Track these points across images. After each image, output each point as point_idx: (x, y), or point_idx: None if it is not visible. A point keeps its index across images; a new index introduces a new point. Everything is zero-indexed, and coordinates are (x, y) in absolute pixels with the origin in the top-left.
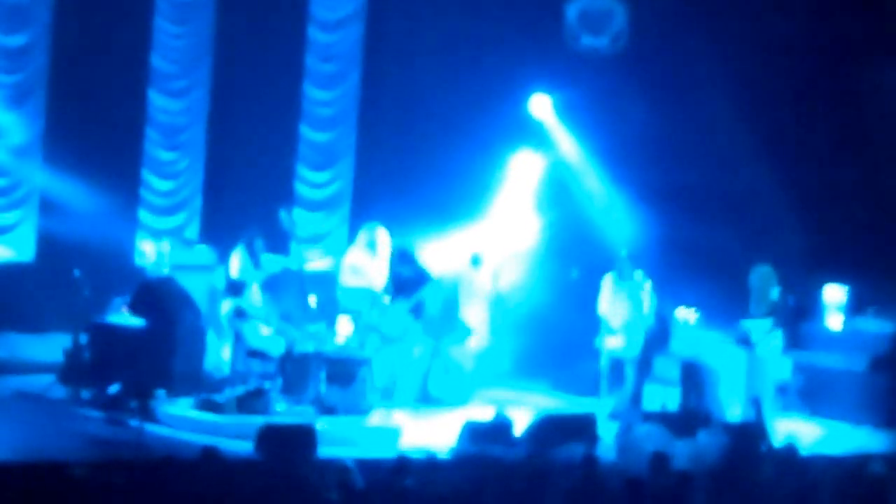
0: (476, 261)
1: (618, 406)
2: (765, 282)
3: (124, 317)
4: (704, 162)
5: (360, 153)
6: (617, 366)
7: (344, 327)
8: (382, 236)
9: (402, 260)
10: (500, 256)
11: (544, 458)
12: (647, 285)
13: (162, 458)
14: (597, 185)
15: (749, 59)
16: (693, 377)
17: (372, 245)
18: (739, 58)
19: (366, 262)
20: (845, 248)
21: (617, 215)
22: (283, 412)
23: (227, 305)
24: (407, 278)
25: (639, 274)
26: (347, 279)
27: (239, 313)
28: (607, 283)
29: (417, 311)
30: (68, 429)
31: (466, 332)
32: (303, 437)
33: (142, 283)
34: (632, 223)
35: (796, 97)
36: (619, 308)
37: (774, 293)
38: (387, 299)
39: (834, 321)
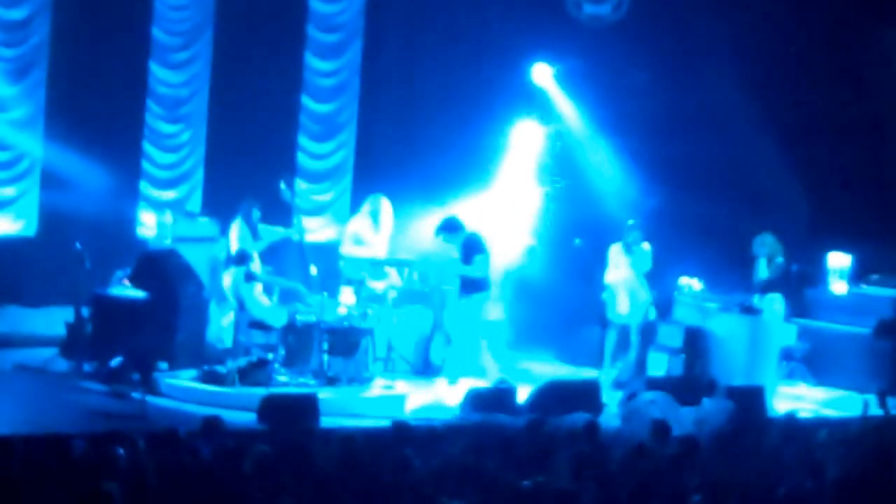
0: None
1: (622, 374)
2: (768, 250)
3: (126, 289)
4: (707, 130)
5: (361, 123)
6: (623, 334)
7: (346, 298)
8: (386, 207)
9: (450, 229)
10: (503, 226)
11: (548, 425)
12: (648, 248)
13: (165, 429)
14: (599, 154)
15: (751, 27)
16: (697, 344)
17: (376, 215)
18: (741, 26)
19: (368, 233)
20: (849, 216)
21: (619, 184)
22: (286, 383)
23: (228, 277)
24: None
25: (645, 244)
26: (349, 249)
27: (249, 277)
28: (614, 252)
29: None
30: (70, 402)
31: None
32: (305, 406)
33: (143, 255)
34: (634, 192)
35: (799, 65)
36: (625, 276)
37: (778, 261)
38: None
39: (838, 288)
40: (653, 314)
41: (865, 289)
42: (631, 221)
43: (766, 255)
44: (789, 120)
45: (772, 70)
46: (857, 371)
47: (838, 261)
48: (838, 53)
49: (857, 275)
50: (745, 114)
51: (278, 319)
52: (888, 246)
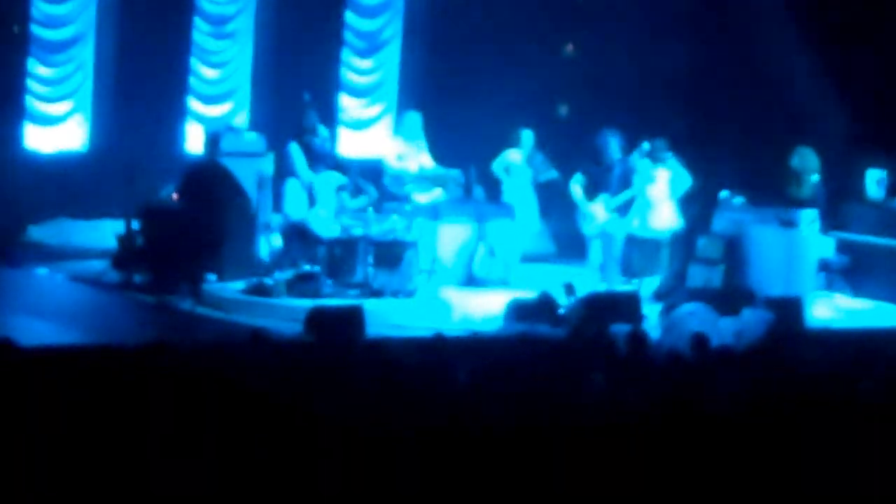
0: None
1: (662, 285)
2: (806, 164)
3: (175, 203)
4: (748, 43)
5: (405, 41)
6: (656, 246)
7: (392, 211)
8: (418, 122)
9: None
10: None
11: (589, 335)
12: (677, 166)
13: (213, 340)
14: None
15: None
16: (736, 256)
17: (411, 132)
18: None
19: (407, 149)
20: (888, 130)
21: (659, 100)
22: (331, 295)
23: None
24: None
25: (671, 157)
26: (395, 165)
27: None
28: (641, 166)
29: (625, 209)
30: (122, 313)
31: (511, 214)
32: (351, 318)
33: (191, 169)
34: (675, 104)
35: None
36: (655, 190)
37: (813, 179)
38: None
39: (876, 202)
40: (680, 225)
41: None
42: (657, 137)
43: (802, 171)
44: (828, 34)
45: None
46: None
47: (877, 174)
48: None
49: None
50: (785, 26)
51: (330, 232)
52: None
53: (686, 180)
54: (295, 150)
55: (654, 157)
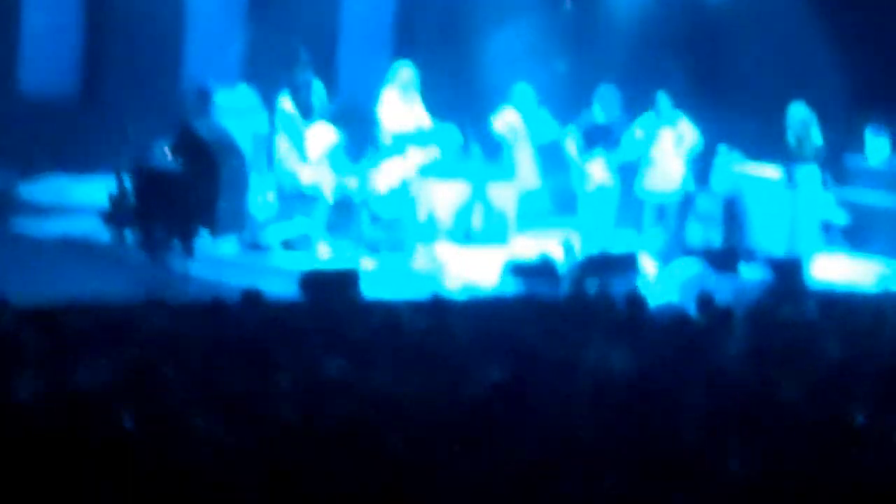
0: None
1: (661, 244)
2: (803, 123)
3: (168, 160)
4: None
5: None
6: (659, 205)
7: (388, 168)
8: (411, 75)
9: (602, 104)
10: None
11: (588, 294)
12: (684, 123)
13: (207, 300)
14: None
15: None
16: (736, 215)
17: (405, 85)
18: None
19: (401, 102)
20: (889, 87)
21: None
22: (327, 253)
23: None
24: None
25: (678, 115)
26: (388, 122)
27: None
28: (645, 124)
29: (624, 168)
30: (113, 271)
31: (509, 172)
32: (346, 279)
33: (184, 126)
34: (674, 59)
35: None
36: (661, 149)
37: (814, 142)
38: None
39: (878, 159)
40: (691, 186)
41: None
42: (662, 94)
43: (799, 128)
44: None
45: None
46: None
47: (878, 132)
48: None
49: None
50: None
51: (325, 189)
52: None
53: (697, 138)
54: (289, 106)
55: (658, 115)
